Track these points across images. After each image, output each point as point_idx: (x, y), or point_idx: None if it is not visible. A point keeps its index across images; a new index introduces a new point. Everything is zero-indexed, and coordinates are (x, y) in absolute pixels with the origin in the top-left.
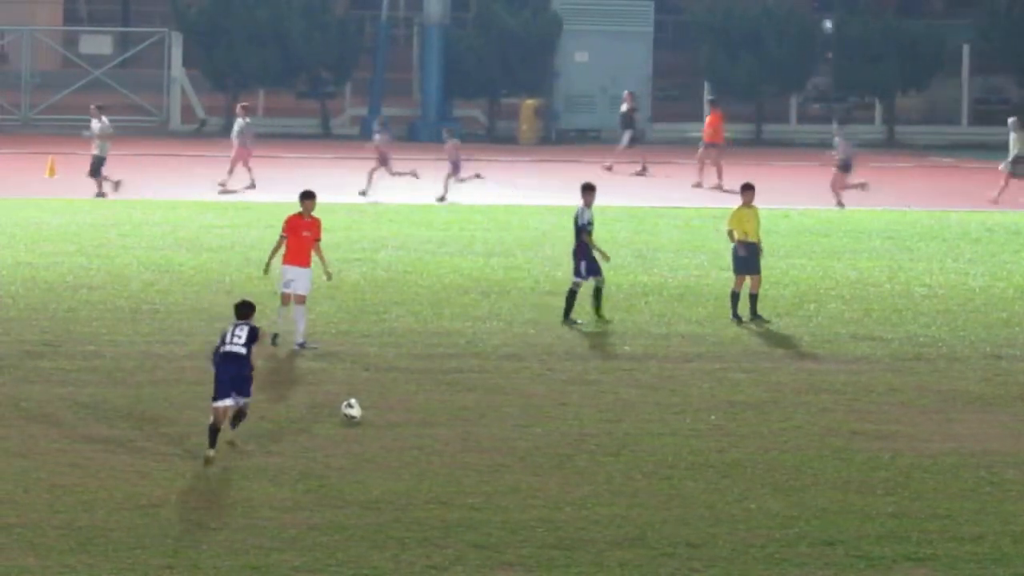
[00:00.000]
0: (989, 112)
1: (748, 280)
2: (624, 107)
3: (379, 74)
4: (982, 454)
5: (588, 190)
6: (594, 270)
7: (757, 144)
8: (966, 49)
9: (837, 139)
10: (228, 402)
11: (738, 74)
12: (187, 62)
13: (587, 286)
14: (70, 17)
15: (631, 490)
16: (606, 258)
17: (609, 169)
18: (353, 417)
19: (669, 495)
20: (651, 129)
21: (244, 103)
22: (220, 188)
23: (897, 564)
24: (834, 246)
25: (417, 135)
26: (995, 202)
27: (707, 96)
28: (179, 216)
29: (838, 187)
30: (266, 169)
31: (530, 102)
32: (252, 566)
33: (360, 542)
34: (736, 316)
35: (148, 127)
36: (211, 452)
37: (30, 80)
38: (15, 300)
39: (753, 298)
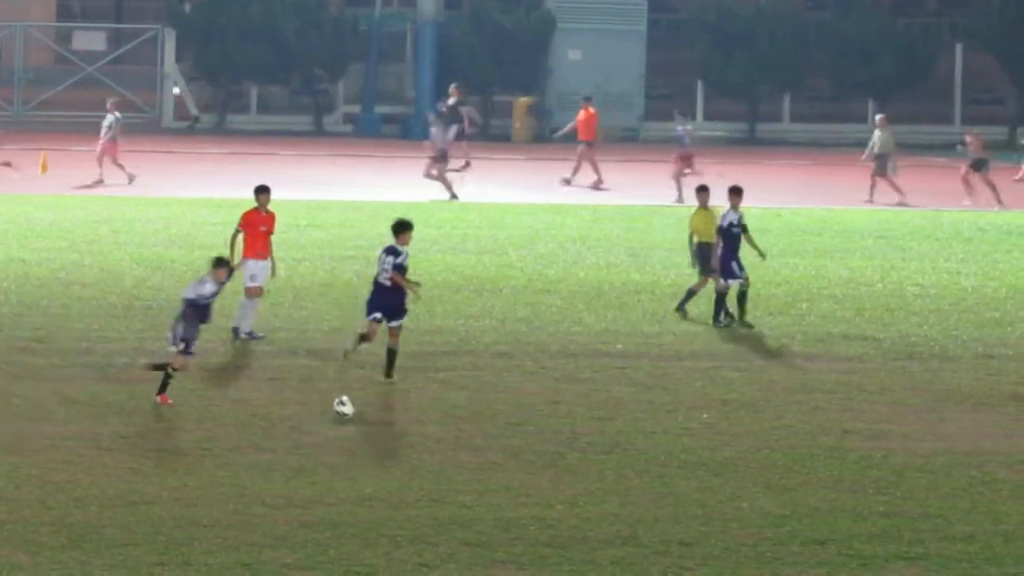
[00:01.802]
0: (982, 112)
1: (711, 281)
2: (451, 100)
3: (372, 71)
4: (974, 453)
5: (734, 192)
6: (733, 272)
7: (750, 143)
8: (959, 49)
9: (433, 129)
10: (370, 318)
11: (732, 73)
12: (180, 59)
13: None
14: (63, 13)
15: (623, 488)
16: (762, 256)
17: (464, 168)
18: (345, 414)
19: (661, 493)
20: (644, 128)
21: (115, 99)
22: (94, 181)
23: (889, 563)
24: (826, 245)
25: (410, 133)
26: (869, 201)
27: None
28: (172, 212)
29: (431, 173)
30: (259, 166)
31: (523, 100)
32: (243, 563)
33: (352, 539)
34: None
35: (141, 123)
36: (348, 347)
37: (23, 76)
38: (7, 296)
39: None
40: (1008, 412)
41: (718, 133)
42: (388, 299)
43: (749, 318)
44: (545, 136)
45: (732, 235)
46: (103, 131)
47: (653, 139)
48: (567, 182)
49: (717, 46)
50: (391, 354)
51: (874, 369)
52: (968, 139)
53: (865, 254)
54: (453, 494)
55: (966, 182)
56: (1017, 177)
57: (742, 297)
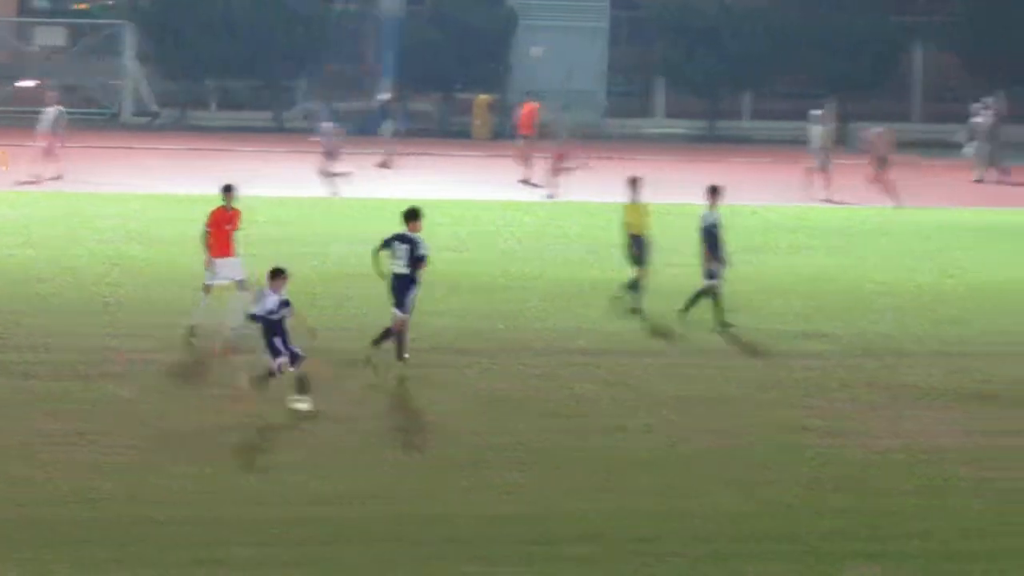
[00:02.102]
0: (943, 110)
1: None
2: (386, 96)
3: (333, 67)
4: (931, 450)
5: (713, 192)
6: (715, 273)
7: (710, 140)
8: (920, 47)
9: (324, 125)
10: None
11: (693, 70)
12: (142, 54)
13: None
14: (24, 8)
15: (587, 486)
16: (725, 262)
17: (384, 166)
18: (303, 410)
19: (623, 490)
20: (606, 124)
21: (54, 92)
22: (52, 177)
23: (847, 560)
24: (784, 242)
25: (371, 128)
26: (829, 200)
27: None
28: (130, 209)
29: (325, 173)
30: (219, 162)
31: (483, 97)
32: (211, 559)
33: (336, 538)
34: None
35: (101, 119)
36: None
37: None
38: None
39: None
40: (965, 409)
41: (679, 130)
42: (399, 287)
43: (727, 317)
44: (506, 133)
45: (713, 236)
46: (45, 124)
47: (615, 136)
48: (526, 182)
49: (679, 43)
50: (385, 334)
51: (833, 366)
52: (871, 137)
53: (824, 251)
54: (427, 493)
55: (884, 184)
56: (974, 178)
57: (713, 297)
